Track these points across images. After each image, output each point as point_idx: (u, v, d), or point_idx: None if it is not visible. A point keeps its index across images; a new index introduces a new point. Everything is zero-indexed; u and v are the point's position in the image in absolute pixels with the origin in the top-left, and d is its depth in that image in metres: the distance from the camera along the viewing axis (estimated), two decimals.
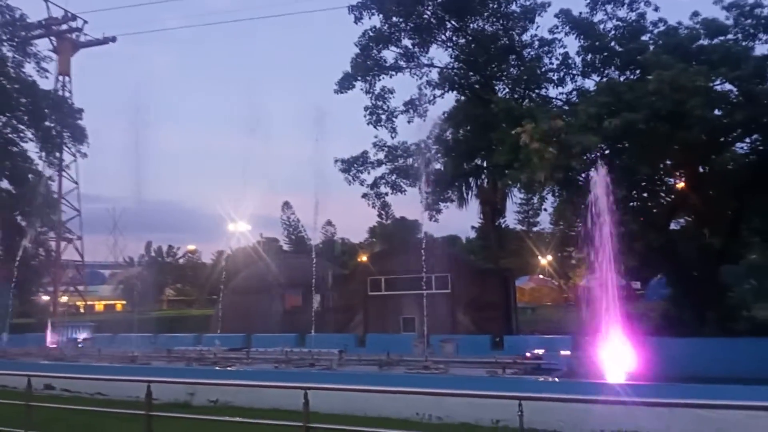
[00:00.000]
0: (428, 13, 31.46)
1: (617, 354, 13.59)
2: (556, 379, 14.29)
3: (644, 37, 24.63)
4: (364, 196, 34.93)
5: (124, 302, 58.14)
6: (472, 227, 69.85)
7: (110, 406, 12.03)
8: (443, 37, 32.37)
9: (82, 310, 59.92)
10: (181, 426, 10.72)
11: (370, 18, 31.64)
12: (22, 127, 38.91)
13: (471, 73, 32.03)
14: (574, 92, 27.64)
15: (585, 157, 20.14)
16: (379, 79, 33.02)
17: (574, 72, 28.70)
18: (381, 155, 34.11)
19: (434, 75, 33.27)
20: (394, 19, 31.26)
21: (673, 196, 23.80)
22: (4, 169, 37.93)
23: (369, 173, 34.42)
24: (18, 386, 12.95)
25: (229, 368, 17.98)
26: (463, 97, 33.52)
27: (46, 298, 49.88)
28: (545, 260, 63.61)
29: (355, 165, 34.13)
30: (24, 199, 37.92)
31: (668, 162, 22.66)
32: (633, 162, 20.37)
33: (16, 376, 14.49)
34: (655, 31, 24.61)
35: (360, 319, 31.24)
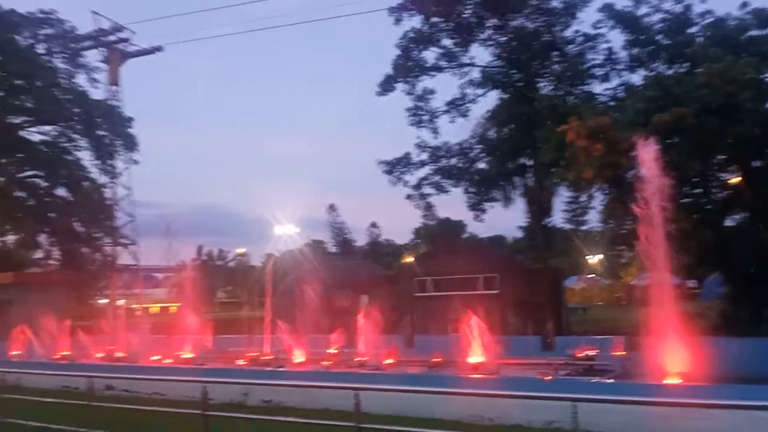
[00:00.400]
0: (468, 12, 31.44)
1: (673, 354, 13.33)
2: (611, 381, 14.11)
3: (691, 30, 24.10)
4: (408, 197, 35.04)
5: (178, 305, 59.46)
6: (519, 227, 69.00)
7: (168, 405, 12.37)
8: (484, 35, 32.30)
9: (139, 313, 61.44)
10: (236, 425, 10.97)
11: (410, 19, 31.84)
12: (76, 136, 40.19)
13: (513, 71, 31.86)
14: (620, 87, 27.23)
15: (633, 154, 19.78)
16: (420, 80, 33.16)
17: (620, 67, 28.30)
18: (424, 156, 34.19)
19: (476, 74, 33.28)
20: (434, 19, 31.34)
21: (726, 192, 23.18)
22: (60, 177, 39.26)
23: (412, 174, 34.54)
24: (80, 387, 13.42)
25: (280, 369, 18.31)
26: (505, 96, 33.33)
27: (104, 301, 51.38)
28: (595, 259, 62.48)
29: (398, 166, 34.27)
30: (80, 206, 39.18)
31: (720, 157, 22.09)
32: (684, 158, 19.93)
33: (78, 377, 15.03)
34: (703, 22, 24.06)
35: (407, 320, 31.28)
